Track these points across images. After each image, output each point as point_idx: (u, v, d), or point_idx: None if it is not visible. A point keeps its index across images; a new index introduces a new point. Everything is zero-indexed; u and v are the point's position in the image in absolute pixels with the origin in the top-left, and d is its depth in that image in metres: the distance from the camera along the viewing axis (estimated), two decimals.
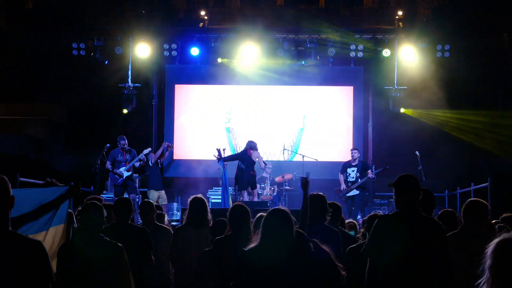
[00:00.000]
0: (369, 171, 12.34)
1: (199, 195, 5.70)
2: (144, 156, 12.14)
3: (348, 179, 12.47)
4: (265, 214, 3.79)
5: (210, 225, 5.52)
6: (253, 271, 3.59)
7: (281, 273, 3.55)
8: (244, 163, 11.89)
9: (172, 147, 13.36)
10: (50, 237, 4.69)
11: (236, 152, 13.72)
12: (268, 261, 3.57)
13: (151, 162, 12.58)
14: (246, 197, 11.75)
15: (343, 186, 12.50)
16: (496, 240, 2.55)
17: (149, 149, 12.40)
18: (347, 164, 12.69)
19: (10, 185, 2.81)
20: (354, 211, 12.25)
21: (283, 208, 3.86)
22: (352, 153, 12.71)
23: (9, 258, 2.67)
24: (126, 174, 11.86)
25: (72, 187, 4.88)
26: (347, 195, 12.41)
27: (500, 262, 2.48)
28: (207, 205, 5.64)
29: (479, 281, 2.55)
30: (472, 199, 4.72)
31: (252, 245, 3.69)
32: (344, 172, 12.62)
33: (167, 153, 13.06)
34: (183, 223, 5.79)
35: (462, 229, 4.46)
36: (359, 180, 12.34)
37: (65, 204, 4.86)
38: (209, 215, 5.64)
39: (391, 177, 11.94)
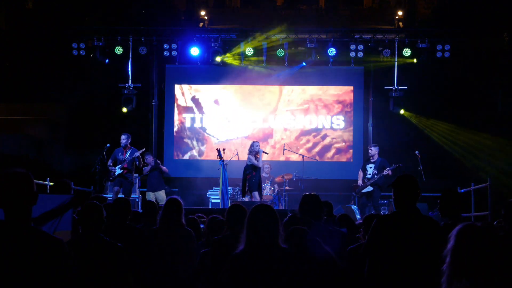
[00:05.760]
0: (387, 168, 11.83)
1: (174, 197, 5.65)
2: (139, 156, 12.03)
3: (366, 176, 12.10)
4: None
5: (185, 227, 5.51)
6: (245, 274, 3.54)
7: (274, 273, 3.51)
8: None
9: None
10: None
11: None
12: (258, 262, 3.51)
13: (151, 164, 12.67)
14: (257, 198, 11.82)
15: (359, 182, 12.18)
16: (457, 227, 2.74)
17: (142, 149, 12.26)
18: (366, 162, 12.37)
19: (34, 181, 2.81)
20: (369, 207, 11.90)
21: (266, 203, 3.81)
22: (369, 150, 12.32)
23: (30, 254, 2.66)
24: (118, 171, 11.88)
25: (76, 196, 4.89)
26: (362, 191, 12.06)
27: (458, 246, 2.68)
28: (182, 206, 5.57)
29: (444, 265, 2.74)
30: None
31: (241, 247, 3.62)
32: (365, 169, 12.26)
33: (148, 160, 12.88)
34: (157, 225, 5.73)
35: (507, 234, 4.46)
36: (375, 177, 11.91)
37: (69, 211, 4.87)
38: (183, 218, 5.57)
39: (391, 177, 11.92)
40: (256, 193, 11.83)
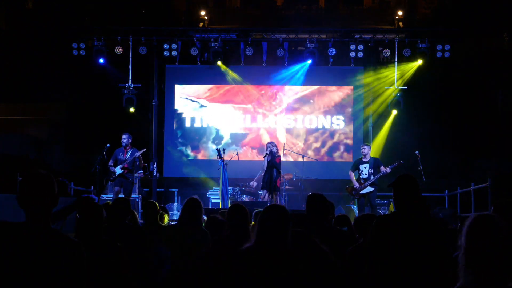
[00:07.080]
0: (382, 166, 11.60)
1: (195, 197, 5.68)
2: (139, 156, 12.01)
3: (360, 176, 11.75)
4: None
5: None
6: (250, 271, 3.56)
7: (279, 272, 3.53)
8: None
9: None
10: None
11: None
12: (265, 260, 3.55)
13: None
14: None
15: (355, 184, 11.77)
16: (471, 217, 2.65)
17: (143, 150, 12.21)
18: (358, 161, 11.95)
19: (56, 183, 2.80)
20: (367, 209, 11.55)
21: (280, 204, 3.82)
22: (362, 149, 11.97)
23: (49, 256, 2.66)
24: (118, 171, 11.85)
25: (80, 200, 4.88)
26: (360, 192, 11.71)
27: (473, 238, 2.57)
28: (202, 207, 5.60)
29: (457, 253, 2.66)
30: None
31: (248, 244, 3.65)
32: (356, 169, 11.91)
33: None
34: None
35: None
36: (372, 177, 11.61)
37: (73, 213, 4.87)
38: (202, 218, 5.61)
39: (391, 177, 11.92)
40: (261, 193, 11.97)
